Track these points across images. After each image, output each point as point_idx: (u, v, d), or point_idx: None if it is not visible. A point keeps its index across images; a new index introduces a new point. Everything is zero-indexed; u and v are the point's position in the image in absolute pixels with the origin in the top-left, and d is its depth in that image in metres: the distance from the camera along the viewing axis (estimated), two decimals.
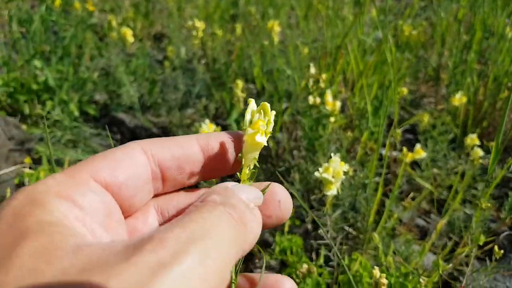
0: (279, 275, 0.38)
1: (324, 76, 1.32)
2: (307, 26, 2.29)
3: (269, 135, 0.40)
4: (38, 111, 1.81)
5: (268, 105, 0.41)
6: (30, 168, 1.48)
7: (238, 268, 0.36)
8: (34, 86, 1.91)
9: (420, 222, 1.59)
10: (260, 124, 0.38)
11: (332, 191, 0.96)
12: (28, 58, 2.05)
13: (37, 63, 1.88)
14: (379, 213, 1.39)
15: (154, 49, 2.95)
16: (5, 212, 0.27)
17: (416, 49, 2.09)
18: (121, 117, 2.09)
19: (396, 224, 1.41)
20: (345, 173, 1.38)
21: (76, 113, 1.93)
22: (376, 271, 0.83)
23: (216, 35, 2.08)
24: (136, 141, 0.35)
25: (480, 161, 1.44)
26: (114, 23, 1.89)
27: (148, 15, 2.84)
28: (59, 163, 1.64)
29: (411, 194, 1.66)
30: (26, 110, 1.87)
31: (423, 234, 1.55)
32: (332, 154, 1.00)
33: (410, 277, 1.02)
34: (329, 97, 1.37)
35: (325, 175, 0.95)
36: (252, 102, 0.41)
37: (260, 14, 2.57)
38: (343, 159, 1.50)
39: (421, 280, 0.95)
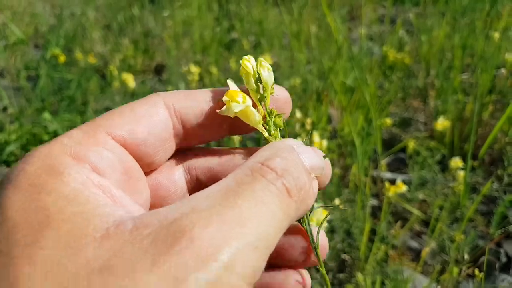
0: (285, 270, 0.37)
1: (308, 120, 1.43)
2: (300, 50, 2.40)
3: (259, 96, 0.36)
4: None
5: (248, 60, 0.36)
6: None
7: None
8: (45, 137, 2.05)
9: (413, 243, 1.69)
10: (231, 95, 0.34)
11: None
12: (38, 108, 2.20)
13: (47, 116, 2.02)
14: (373, 240, 1.49)
15: (156, 82, 3.09)
16: (22, 181, 0.26)
17: (402, 70, 2.19)
18: None
19: (389, 249, 1.51)
20: (337, 207, 1.49)
21: None
22: None
23: (212, 73, 2.20)
24: (158, 93, 0.33)
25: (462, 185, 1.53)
26: (115, 72, 2.03)
27: (147, 50, 2.97)
28: None
29: (403, 216, 1.76)
30: None
31: (416, 255, 1.65)
32: (315, 204, 1.11)
33: None
34: (315, 137, 1.48)
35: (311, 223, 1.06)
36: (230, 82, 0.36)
37: (253, 43, 2.68)
38: (336, 191, 1.62)
39: None
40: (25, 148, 2.04)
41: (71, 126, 2.12)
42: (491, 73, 2.00)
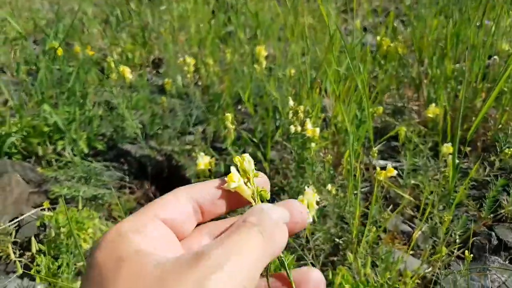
0: (305, 267, 0.50)
1: (301, 107, 1.46)
2: (296, 42, 2.43)
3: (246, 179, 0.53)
4: (51, 154, 1.99)
5: (243, 160, 0.54)
6: (49, 209, 1.66)
7: (268, 270, 0.50)
8: (45, 129, 2.09)
9: (405, 227, 1.72)
10: (230, 178, 0.52)
11: (308, 219, 1.10)
12: (38, 101, 2.23)
13: (46, 108, 2.06)
14: (365, 224, 1.53)
15: (154, 75, 3.12)
16: (104, 242, 0.42)
17: (395, 60, 2.22)
18: (127, 148, 2.26)
19: (381, 232, 1.55)
20: (329, 192, 1.53)
21: (86, 150, 2.10)
22: None
23: (208, 64, 2.23)
24: (182, 187, 0.50)
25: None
26: (112, 65, 2.06)
27: (145, 44, 3.00)
28: (74, 200, 1.81)
29: (397, 202, 1.80)
30: (40, 152, 2.05)
31: (408, 239, 1.69)
32: (306, 187, 1.14)
33: (386, 287, 1.16)
34: (308, 125, 1.51)
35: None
36: (233, 169, 0.53)
37: (249, 35, 2.70)
38: (329, 177, 1.65)
39: None
40: (26, 140, 2.08)
41: (71, 118, 2.16)
42: (484, 60, 2.02)
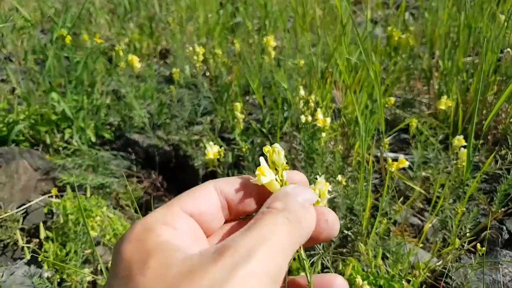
0: (330, 274, 0.49)
1: (313, 97, 1.44)
2: (303, 35, 2.40)
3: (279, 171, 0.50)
4: (58, 142, 1.98)
5: (273, 151, 0.50)
6: (56, 197, 1.65)
7: (295, 256, 0.47)
8: (53, 117, 2.08)
9: (415, 220, 1.71)
10: (261, 171, 0.49)
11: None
12: (46, 89, 2.22)
13: (54, 96, 2.05)
14: (375, 216, 1.51)
15: (161, 65, 3.10)
16: (131, 235, 0.42)
17: (406, 51, 2.19)
18: (134, 137, 2.25)
19: (391, 225, 1.53)
20: (339, 182, 1.52)
21: (93, 139, 2.10)
22: (359, 280, 0.96)
23: (216, 54, 2.22)
24: (211, 180, 0.49)
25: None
26: (121, 53, 2.04)
27: (152, 34, 2.98)
28: (82, 188, 1.81)
29: (406, 195, 1.78)
30: (48, 140, 2.05)
31: (418, 232, 1.67)
32: (317, 176, 1.13)
33: (397, 278, 1.15)
34: (319, 115, 1.49)
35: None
36: (262, 160, 0.51)
37: (257, 26, 2.68)
38: (338, 168, 1.64)
39: (404, 282, 1.07)
40: (34, 128, 2.08)
41: (78, 106, 2.15)
42: (496, 53, 1.99)
